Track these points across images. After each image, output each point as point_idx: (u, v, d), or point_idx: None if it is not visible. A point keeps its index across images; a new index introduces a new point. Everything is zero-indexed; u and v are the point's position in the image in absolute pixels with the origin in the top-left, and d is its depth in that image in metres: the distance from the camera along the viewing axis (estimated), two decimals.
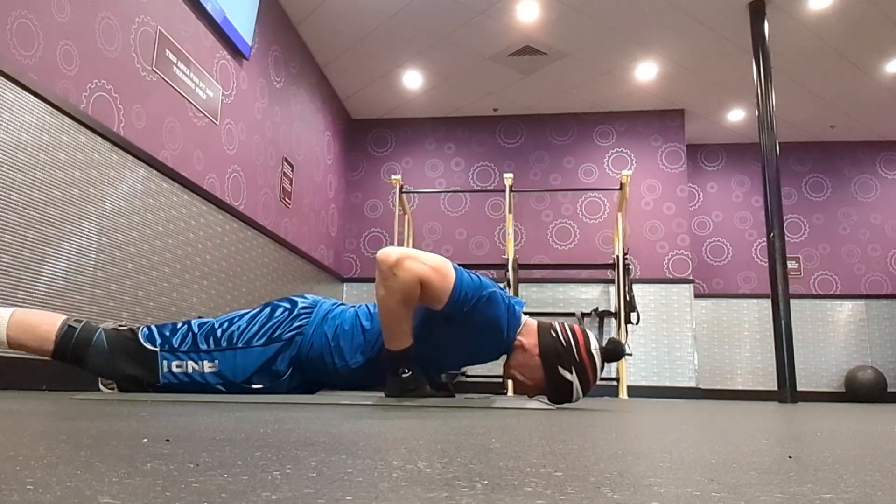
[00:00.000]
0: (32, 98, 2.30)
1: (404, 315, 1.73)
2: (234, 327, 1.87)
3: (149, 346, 1.81)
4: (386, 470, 0.49)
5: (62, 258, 2.43)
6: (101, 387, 2.08)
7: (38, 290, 2.31)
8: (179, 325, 1.88)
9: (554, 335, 1.82)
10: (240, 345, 1.84)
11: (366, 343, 1.88)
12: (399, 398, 1.77)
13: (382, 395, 1.85)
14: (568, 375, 1.80)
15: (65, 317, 1.79)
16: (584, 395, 1.86)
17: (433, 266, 1.71)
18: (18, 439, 0.65)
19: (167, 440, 0.67)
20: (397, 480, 0.44)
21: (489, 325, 1.79)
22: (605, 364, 1.88)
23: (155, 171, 3.05)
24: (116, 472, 0.44)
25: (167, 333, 1.84)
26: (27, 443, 0.62)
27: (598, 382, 6.02)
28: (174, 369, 1.81)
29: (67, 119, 2.47)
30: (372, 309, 1.94)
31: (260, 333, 1.86)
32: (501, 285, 1.87)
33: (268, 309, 1.92)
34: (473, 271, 1.85)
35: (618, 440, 0.84)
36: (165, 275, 3.11)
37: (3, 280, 2.16)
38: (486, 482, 0.44)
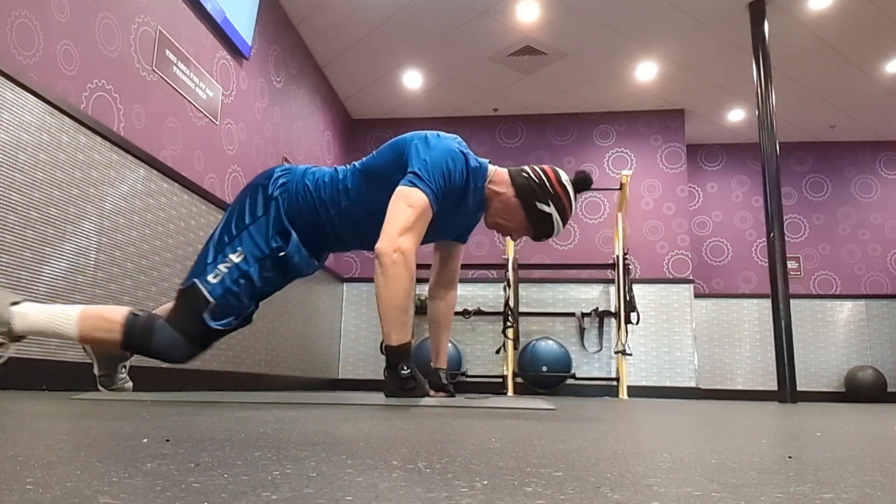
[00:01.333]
0: (32, 98, 2.30)
1: (407, 303, 1.78)
2: (234, 215, 1.93)
3: (186, 286, 1.85)
4: (386, 470, 0.49)
5: (62, 258, 2.43)
6: (101, 387, 2.09)
7: (39, 291, 2.31)
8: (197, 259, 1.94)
9: (526, 176, 1.94)
10: (248, 221, 1.90)
11: (350, 193, 1.94)
12: (399, 398, 1.77)
13: (383, 394, 1.85)
14: (546, 208, 1.92)
15: (127, 308, 1.83)
16: (563, 226, 1.97)
17: (416, 221, 1.78)
18: (18, 439, 0.65)
19: (167, 440, 0.67)
20: (397, 480, 0.44)
21: (457, 193, 1.90)
22: (578, 195, 1.99)
23: (155, 171, 3.05)
24: (116, 472, 0.44)
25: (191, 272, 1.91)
26: (27, 443, 0.62)
27: (599, 382, 5.97)
28: (212, 281, 1.84)
29: (67, 119, 2.47)
30: (348, 167, 2.01)
31: (257, 204, 1.92)
32: (457, 139, 1.97)
33: (250, 188, 1.99)
34: (435, 142, 1.88)
35: (618, 440, 0.84)
36: (165, 275, 3.11)
37: (3, 280, 2.15)
38: (486, 482, 0.44)
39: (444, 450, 0.64)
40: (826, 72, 5.42)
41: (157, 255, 3.04)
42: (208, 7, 3.54)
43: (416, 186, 1.79)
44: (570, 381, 5.47)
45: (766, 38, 4.59)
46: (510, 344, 5.25)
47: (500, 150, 6.27)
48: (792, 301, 4.37)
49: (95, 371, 2.06)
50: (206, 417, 1.04)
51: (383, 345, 1.79)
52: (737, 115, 6.25)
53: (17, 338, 1.75)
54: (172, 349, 1.80)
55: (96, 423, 0.88)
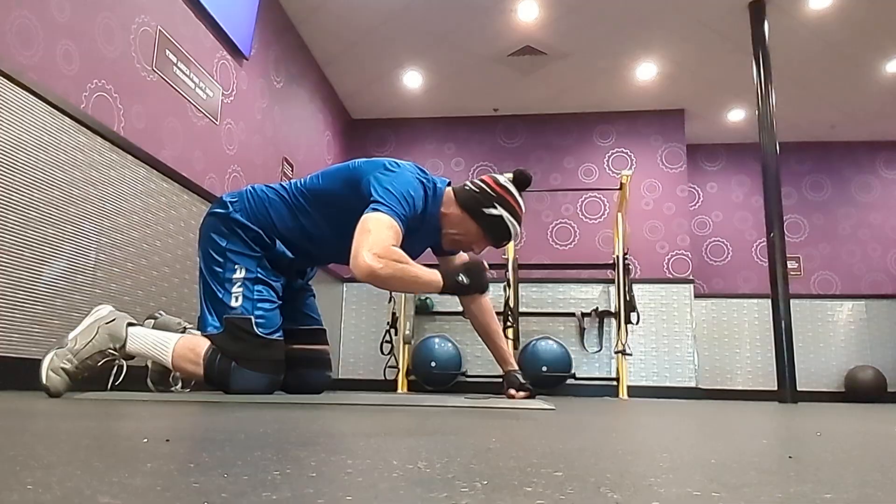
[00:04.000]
0: (32, 98, 2.30)
1: (415, 273, 1.79)
2: (209, 248, 2.02)
3: (225, 326, 1.92)
4: (386, 470, 0.49)
5: (62, 258, 2.43)
6: (150, 382, 2.11)
7: (38, 290, 2.31)
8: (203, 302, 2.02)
9: (468, 189, 1.99)
10: (224, 244, 2.00)
11: (303, 216, 2.03)
12: (470, 282, 1.87)
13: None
14: (494, 211, 1.95)
15: (208, 343, 1.90)
16: (519, 226, 1.99)
17: (377, 232, 1.77)
18: (18, 439, 0.65)
19: (167, 440, 0.67)
20: (397, 480, 0.44)
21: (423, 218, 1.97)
22: (522, 192, 2.02)
23: (155, 171, 3.05)
24: (116, 472, 0.44)
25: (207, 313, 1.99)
26: (27, 443, 0.62)
27: (599, 382, 5.94)
28: (237, 304, 1.94)
29: (67, 119, 2.47)
30: (286, 184, 2.11)
31: (220, 227, 2.03)
32: (420, 169, 2.02)
33: (208, 221, 2.09)
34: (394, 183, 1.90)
35: (618, 440, 0.84)
36: (165, 275, 3.11)
37: (3, 280, 2.16)
38: (486, 482, 0.44)
39: (444, 450, 0.64)
40: (826, 72, 5.42)
41: (156, 255, 3.04)
42: (208, 7, 3.54)
43: (380, 211, 1.82)
44: (570, 381, 5.47)
45: (766, 38, 4.59)
46: (510, 344, 5.25)
47: (500, 150, 6.27)
48: (792, 301, 4.37)
49: (149, 364, 2.08)
50: (206, 417, 1.04)
51: (441, 291, 1.87)
52: (737, 115, 6.25)
53: (128, 356, 1.89)
54: (251, 388, 1.87)
55: (96, 423, 0.88)
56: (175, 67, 3.30)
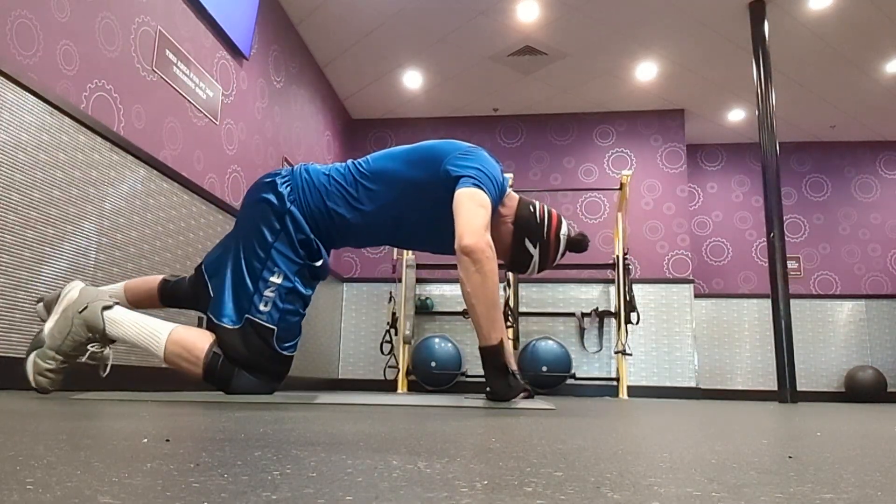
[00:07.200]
0: (32, 98, 2.30)
1: (498, 297, 1.78)
2: (252, 237, 1.90)
3: (243, 324, 1.83)
4: (386, 470, 0.49)
5: (62, 258, 2.43)
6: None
7: (38, 291, 2.31)
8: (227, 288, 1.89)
9: (532, 210, 1.96)
10: (271, 239, 1.88)
11: (369, 198, 1.92)
12: (504, 401, 1.73)
13: (486, 397, 1.81)
14: (531, 249, 1.95)
15: (209, 342, 1.81)
16: (538, 271, 1.99)
17: (488, 222, 1.76)
18: (18, 439, 0.65)
19: (167, 440, 0.67)
20: (397, 480, 0.44)
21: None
22: (567, 252, 2.00)
23: (155, 171, 3.05)
24: (116, 472, 0.44)
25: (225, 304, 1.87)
26: (27, 443, 0.62)
27: (599, 382, 5.94)
28: (265, 309, 1.84)
29: (67, 119, 2.47)
30: (342, 168, 1.98)
31: (272, 220, 1.89)
32: (497, 164, 1.96)
33: (257, 204, 1.94)
34: (482, 163, 1.87)
35: (618, 440, 0.84)
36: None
37: (3, 280, 2.16)
38: (486, 482, 0.44)
39: (444, 450, 0.64)
40: (826, 72, 5.42)
41: (156, 256, 3.04)
42: (208, 7, 3.54)
43: (481, 189, 1.78)
44: (570, 381, 5.47)
45: (766, 38, 4.59)
46: (510, 344, 5.25)
47: (500, 150, 6.27)
48: (792, 301, 4.38)
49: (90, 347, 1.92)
50: (206, 417, 1.04)
51: (483, 345, 1.75)
52: (737, 115, 6.25)
53: (110, 340, 1.77)
54: (251, 391, 1.82)
55: (96, 423, 0.88)
56: (175, 67, 3.30)
